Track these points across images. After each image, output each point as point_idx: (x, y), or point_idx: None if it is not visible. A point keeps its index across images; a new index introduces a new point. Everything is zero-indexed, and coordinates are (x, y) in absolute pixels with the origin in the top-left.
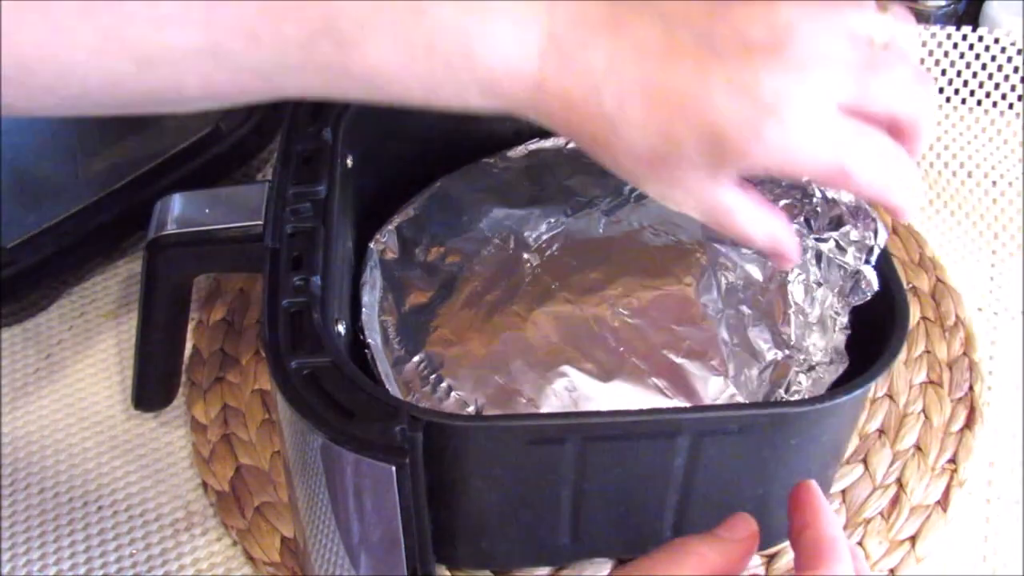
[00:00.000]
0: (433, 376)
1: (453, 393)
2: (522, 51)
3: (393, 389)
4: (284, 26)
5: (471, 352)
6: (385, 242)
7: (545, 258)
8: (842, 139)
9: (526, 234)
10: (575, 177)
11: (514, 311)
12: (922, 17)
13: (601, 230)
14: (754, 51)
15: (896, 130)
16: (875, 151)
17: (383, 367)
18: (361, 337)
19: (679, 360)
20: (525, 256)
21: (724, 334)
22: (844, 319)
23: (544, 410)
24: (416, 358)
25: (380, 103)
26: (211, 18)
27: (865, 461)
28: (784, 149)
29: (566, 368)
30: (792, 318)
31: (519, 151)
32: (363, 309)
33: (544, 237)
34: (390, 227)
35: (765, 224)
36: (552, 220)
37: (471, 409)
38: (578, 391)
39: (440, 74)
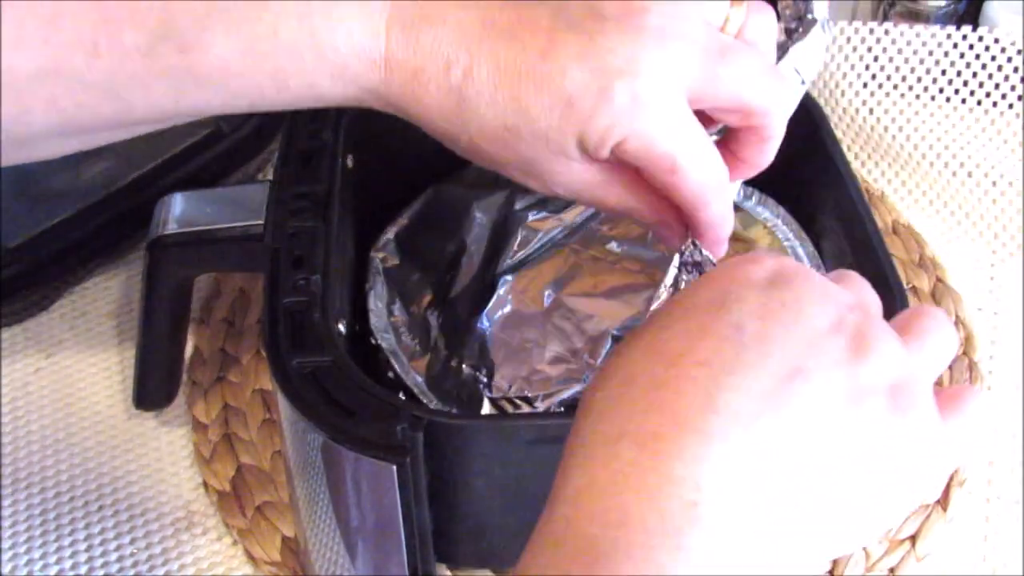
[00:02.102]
0: (452, 362)
1: (464, 366)
2: (368, 29)
3: (412, 382)
4: (124, 34)
5: (475, 326)
6: (384, 250)
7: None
8: (682, 130)
9: (518, 206)
10: None
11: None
12: (922, 17)
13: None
14: (607, 23)
15: (747, 122)
16: (708, 157)
17: (400, 365)
18: (373, 341)
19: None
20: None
21: None
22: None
23: (552, 348)
24: (431, 353)
25: (233, 109)
26: (49, 36)
27: None
28: (632, 115)
29: (562, 299)
30: None
31: None
32: (371, 314)
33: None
34: (388, 236)
35: (633, 199)
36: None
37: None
38: (575, 314)
39: (287, 64)
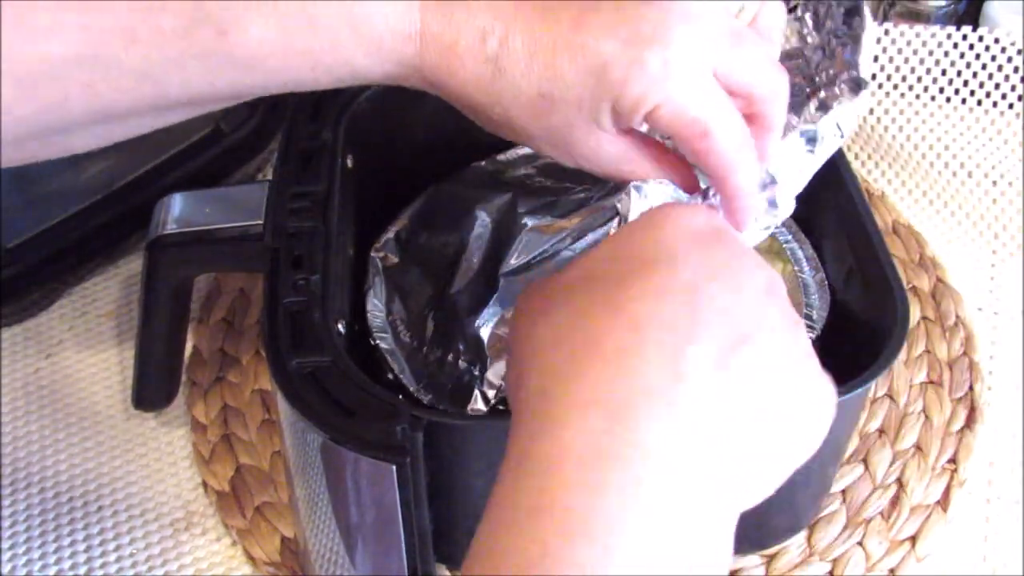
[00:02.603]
0: (448, 357)
1: (459, 362)
2: (402, 5)
3: (408, 380)
4: (161, 19)
5: (473, 324)
6: (384, 249)
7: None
8: (712, 97)
9: (521, 209)
10: (566, 182)
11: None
12: (922, 17)
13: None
14: (634, 1)
15: (750, 110)
16: (737, 124)
17: (397, 364)
18: (372, 342)
19: None
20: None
21: None
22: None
23: None
24: (427, 350)
25: (269, 90)
26: (87, 23)
27: (865, 461)
28: (664, 81)
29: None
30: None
31: (510, 155)
32: (369, 314)
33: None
34: (388, 235)
35: (660, 171)
36: (544, 198)
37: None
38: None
39: (324, 43)
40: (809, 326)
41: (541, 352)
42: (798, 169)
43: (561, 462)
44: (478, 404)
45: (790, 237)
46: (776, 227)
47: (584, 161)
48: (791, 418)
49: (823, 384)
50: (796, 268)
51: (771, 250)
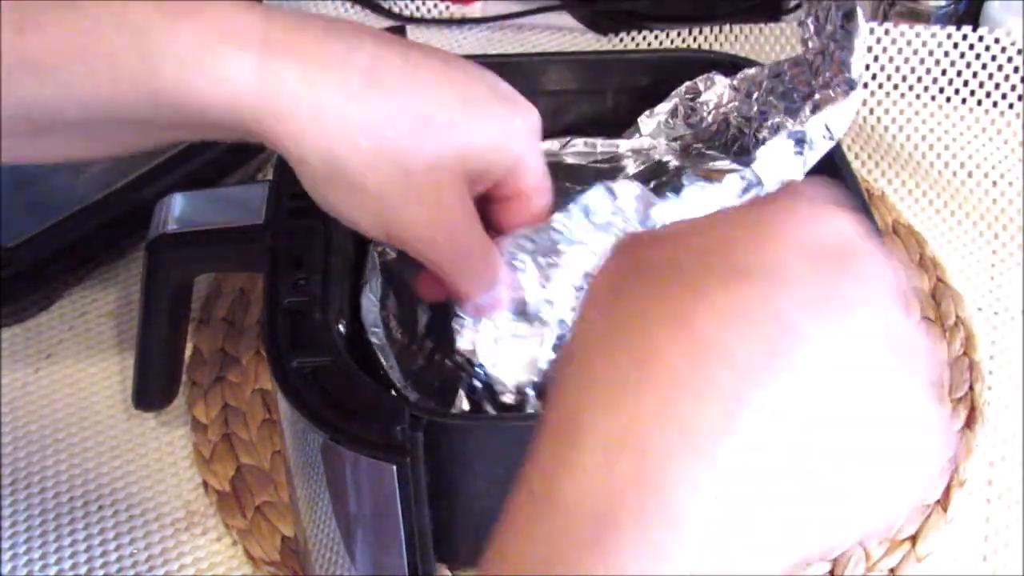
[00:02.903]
0: (436, 355)
1: (447, 360)
2: (247, 61)
3: (396, 376)
4: None
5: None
6: (383, 244)
7: None
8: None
9: None
10: (566, 182)
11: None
12: (922, 17)
13: None
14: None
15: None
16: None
17: (387, 359)
18: (370, 340)
19: None
20: None
21: None
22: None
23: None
24: (416, 345)
25: (65, 112)
26: None
27: None
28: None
29: None
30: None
31: None
32: (363, 308)
33: None
34: None
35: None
36: None
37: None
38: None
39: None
40: None
41: (593, 348)
42: (784, 171)
43: (579, 510)
44: (463, 404)
45: None
46: None
47: (369, 230)
48: (878, 477)
49: (930, 439)
50: None
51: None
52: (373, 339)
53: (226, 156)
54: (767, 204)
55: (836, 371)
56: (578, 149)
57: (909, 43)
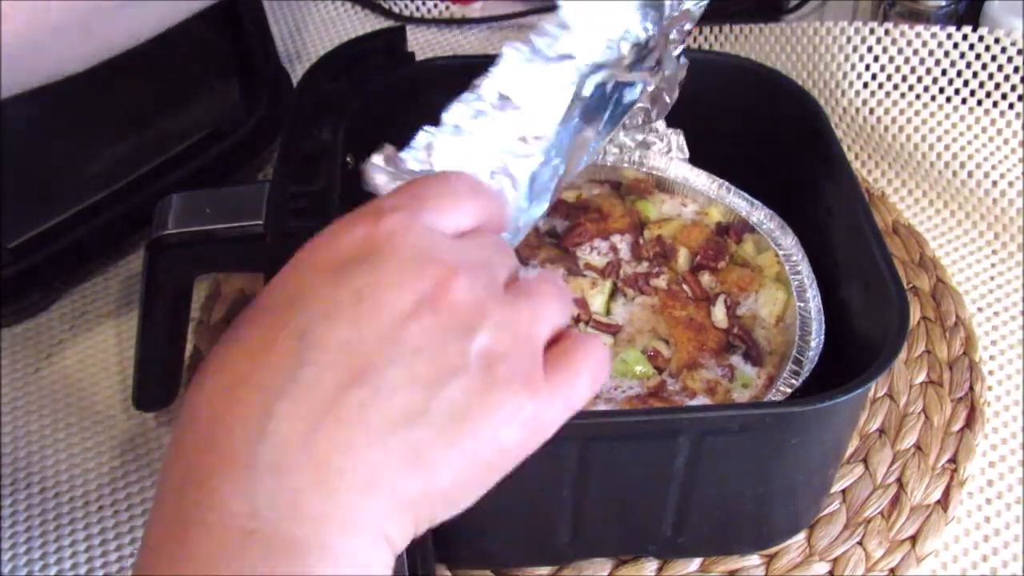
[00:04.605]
0: None
1: None
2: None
3: None
4: None
5: None
6: None
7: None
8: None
9: None
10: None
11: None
12: (922, 17)
13: None
14: None
15: None
16: None
17: None
18: None
19: None
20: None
21: None
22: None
23: None
24: None
25: None
26: None
27: (865, 461)
28: None
29: None
30: None
31: None
32: None
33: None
34: None
35: None
36: None
37: None
38: None
39: None
40: (794, 371)
41: (189, 394)
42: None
43: (167, 540)
44: None
45: (801, 271)
46: (789, 257)
47: None
48: (439, 443)
49: (515, 397)
50: (799, 303)
51: (778, 278)
52: None
53: (226, 156)
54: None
55: (365, 351)
56: None
57: (909, 43)
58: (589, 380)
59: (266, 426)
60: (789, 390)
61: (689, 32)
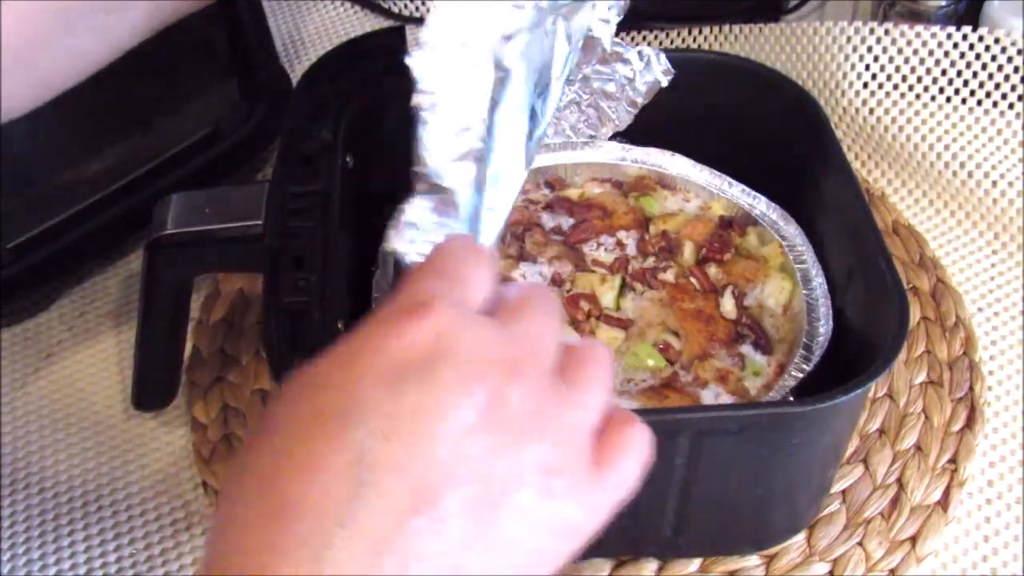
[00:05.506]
0: None
1: None
2: None
3: None
4: None
5: None
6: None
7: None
8: None
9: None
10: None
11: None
12: (922, 17)
13: None
14: None
15: None
16: None
17: None
18: None
19: None
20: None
21: None
22: None
23: None
24: None
25: None
26: None
27: (865, 461)
28: None
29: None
30: None
31: None
32: (373, 299)
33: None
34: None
35: None
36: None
37: None
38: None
39: None
40: (805, 356)
41: (225, 504)
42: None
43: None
44: None
45: (806, 259)
46: (793, 247)
47: None
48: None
49: (575, 503)
50: (806, 291)
51: (783, 268)
52: None
53: (226, 156)
54: (364, 326)
55: (424, 476)
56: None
57: (909, 43)
58: (635, 464)
59: (322, 559)
60: (801, 375)
61: None
